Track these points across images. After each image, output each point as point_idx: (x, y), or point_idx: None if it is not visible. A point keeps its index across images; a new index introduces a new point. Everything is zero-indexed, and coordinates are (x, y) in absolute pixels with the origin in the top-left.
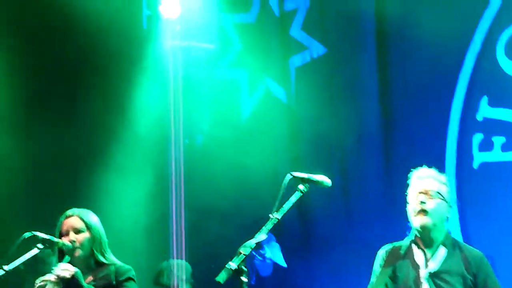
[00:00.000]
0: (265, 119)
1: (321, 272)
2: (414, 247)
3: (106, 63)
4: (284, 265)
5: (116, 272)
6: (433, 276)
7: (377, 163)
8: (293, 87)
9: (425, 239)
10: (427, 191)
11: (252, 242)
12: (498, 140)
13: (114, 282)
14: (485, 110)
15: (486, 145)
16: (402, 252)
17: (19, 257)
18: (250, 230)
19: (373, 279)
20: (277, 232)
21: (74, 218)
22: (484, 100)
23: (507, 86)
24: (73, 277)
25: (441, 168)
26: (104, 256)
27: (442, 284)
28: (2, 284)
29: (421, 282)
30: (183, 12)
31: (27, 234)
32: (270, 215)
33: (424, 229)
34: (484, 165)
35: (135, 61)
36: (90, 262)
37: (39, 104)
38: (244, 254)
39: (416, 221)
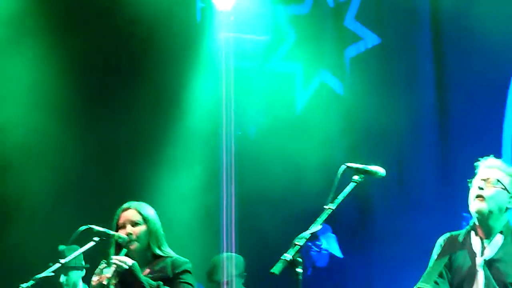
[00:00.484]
0: (319, 110)
1: (377, 262)
2: (472, 234)
3: (160, 56)
4: (341, 255)
5: (172, 265)
6: (488, 264)
7: (433, 154)
8: (348, 78)
9: (483, 227)
10: (488, 178)
11: (307, 233)
12: None
13: (171, 275)
14: None
15: None
16: (460, 240)
17: (76, 250)
18: (303, 223)
19: (429, 267)
20: (334, 223)
21: (131, 211)
22: None
23: None
24: (131, 269)
25: None
26: (160, 249)
27: (496, 272)
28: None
29: (477, 270)
30: (236, 4)
31: (83, 227)
32: (325, 206)
33: (480, 214)
34: None
35: (189, 53)
36: (147, 254)
37: (97, 98)
38: (299, 245)
39: (473, 206)
